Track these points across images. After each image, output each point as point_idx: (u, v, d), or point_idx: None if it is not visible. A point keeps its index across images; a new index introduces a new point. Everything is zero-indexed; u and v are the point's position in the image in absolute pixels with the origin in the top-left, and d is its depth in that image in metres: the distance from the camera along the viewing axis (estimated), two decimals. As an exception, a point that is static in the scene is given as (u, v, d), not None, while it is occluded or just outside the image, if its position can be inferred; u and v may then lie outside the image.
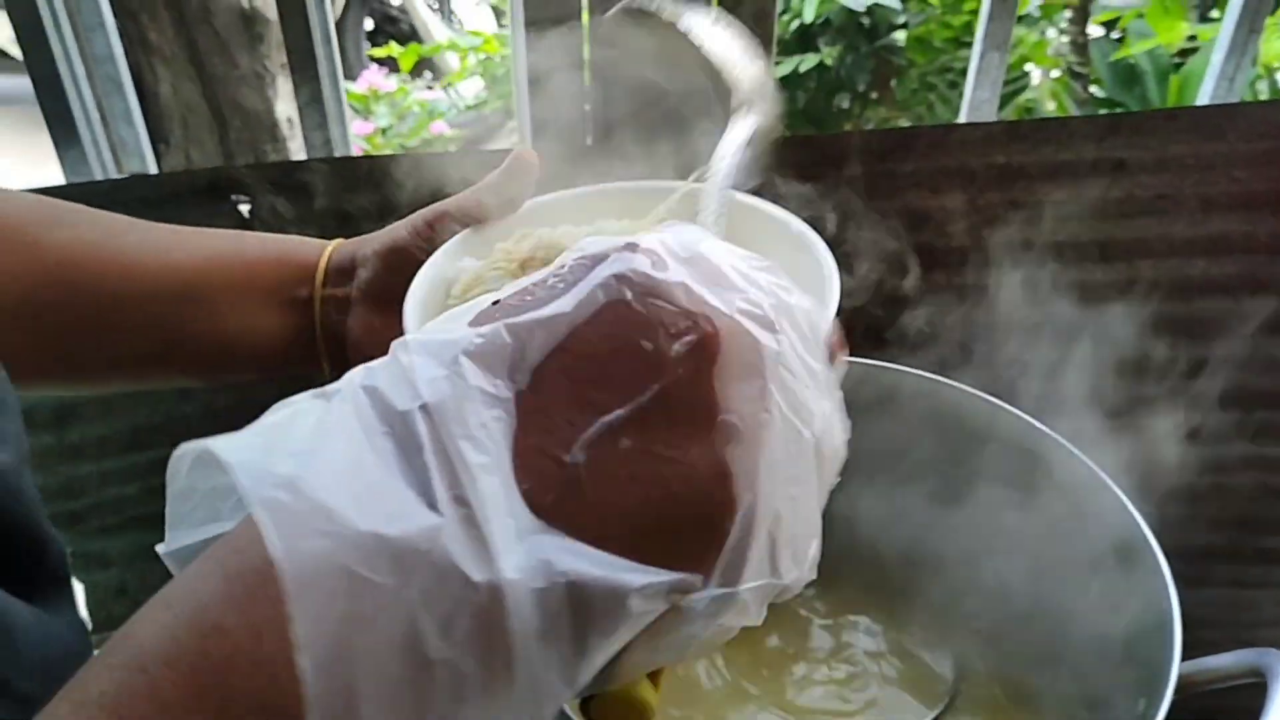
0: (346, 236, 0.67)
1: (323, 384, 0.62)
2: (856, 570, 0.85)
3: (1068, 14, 2.46)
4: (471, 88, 3.11)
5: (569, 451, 0.30)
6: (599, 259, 0.33)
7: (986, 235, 0.97)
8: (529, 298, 0.33)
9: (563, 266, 0.33)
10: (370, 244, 0.64)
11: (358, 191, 0.94)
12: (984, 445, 0.78)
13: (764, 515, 0.31)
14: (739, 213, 0.59)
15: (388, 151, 2.41)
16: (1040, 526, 0.76)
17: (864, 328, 0.84)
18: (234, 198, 0.93)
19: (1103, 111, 2.01)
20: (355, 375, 0.33)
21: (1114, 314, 0.96)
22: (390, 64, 3.21)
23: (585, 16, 0.91)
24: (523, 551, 0.28)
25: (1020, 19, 2.52)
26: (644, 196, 0.63)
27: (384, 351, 0.63)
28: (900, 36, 2.20)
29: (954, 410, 0.79)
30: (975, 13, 2.28)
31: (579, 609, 0.29)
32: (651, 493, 0.30)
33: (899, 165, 0.95)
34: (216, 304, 0.64)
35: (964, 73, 2.23)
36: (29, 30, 0.92)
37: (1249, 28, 0.94)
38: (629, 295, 0.31)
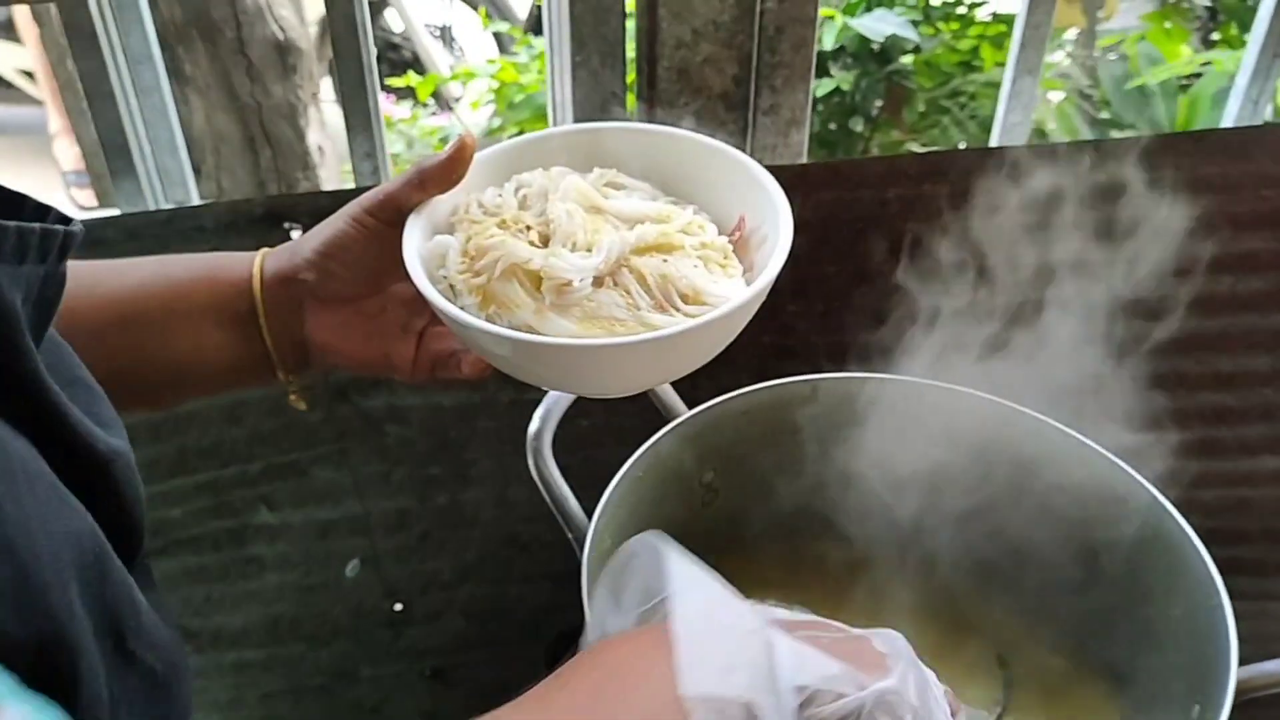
0: None
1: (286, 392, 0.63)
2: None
3: (1073, 35, 2.49)
4: (484, 113, 3.13)
5: None
6: None
7: (1020, 257, 0.99)
8: None
9: None
10: (307, 245, 0.64)
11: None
12: (1029, 466, 0.80)
13: None
14: (703, 154, 0.65)
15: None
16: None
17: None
18: (286, 225, 0.96)
19: (1114, 134, 2.04)
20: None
21: (1144, 331, 0.98)
22: (408, 93, 3.24)
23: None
24: None
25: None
26: (585, 136, 0.67)
27: (353, 349, 0.66)
28: (909, 60, 2.23)
29: (990, 425, 0.81)
30: (982, 37, 2.32)
31: None
32: None
33: (935, 188, 0.97)
34: (153, 330, 0.63)
35: (974, 96, 2.26)
36: (89, 67, 0.95)
37: (1273, 52, 0.97)
38: None
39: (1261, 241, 1.03)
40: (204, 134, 1.56)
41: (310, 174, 1.57)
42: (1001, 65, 2.25)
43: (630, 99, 0.96)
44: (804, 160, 1.00)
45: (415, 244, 0.61)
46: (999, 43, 2.31)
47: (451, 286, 0.60)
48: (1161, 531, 0.76)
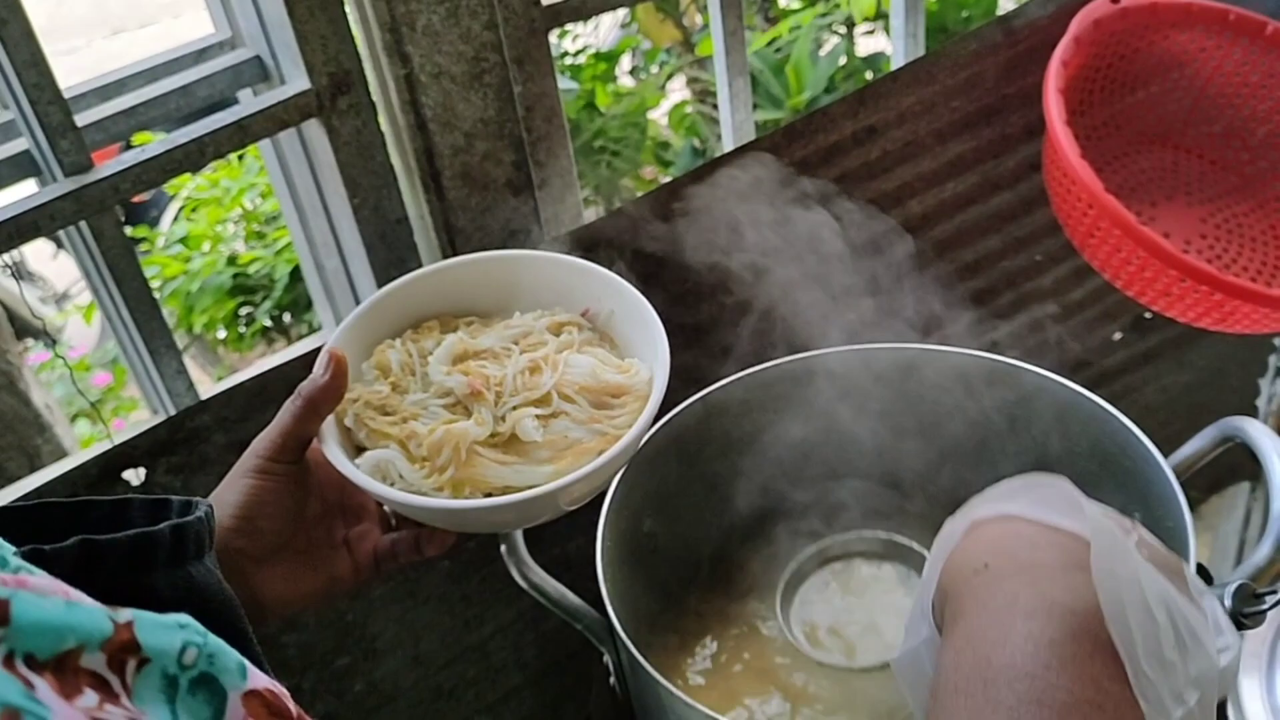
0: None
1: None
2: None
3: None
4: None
5: None
6: None
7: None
8: None
9: None
10: (223, 514, 0.62)
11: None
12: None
13: None
14: (507, 268, 0.72)
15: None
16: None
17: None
18: (126, 474, 0.89)
19: (775, 115, 2.23)
20: None
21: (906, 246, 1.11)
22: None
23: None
24: None
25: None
26: (399, 292, 0.72)
27: (303, 588, 0.66)
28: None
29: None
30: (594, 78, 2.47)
31: None
32: None
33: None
34: None
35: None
36: None
37: (914, -11, 1.14)
38: None
39: (961, 144, 1.19)
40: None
41: (48, 435, 1.44)
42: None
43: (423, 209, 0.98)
44: (585, 221, 1.06)
45: (350, 464, 0.63)
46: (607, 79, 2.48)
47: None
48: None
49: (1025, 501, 0.55)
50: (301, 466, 0.64)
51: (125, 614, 0.32)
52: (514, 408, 0.64)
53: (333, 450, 0.63)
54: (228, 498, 0.63)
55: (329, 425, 0.65)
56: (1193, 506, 1.56)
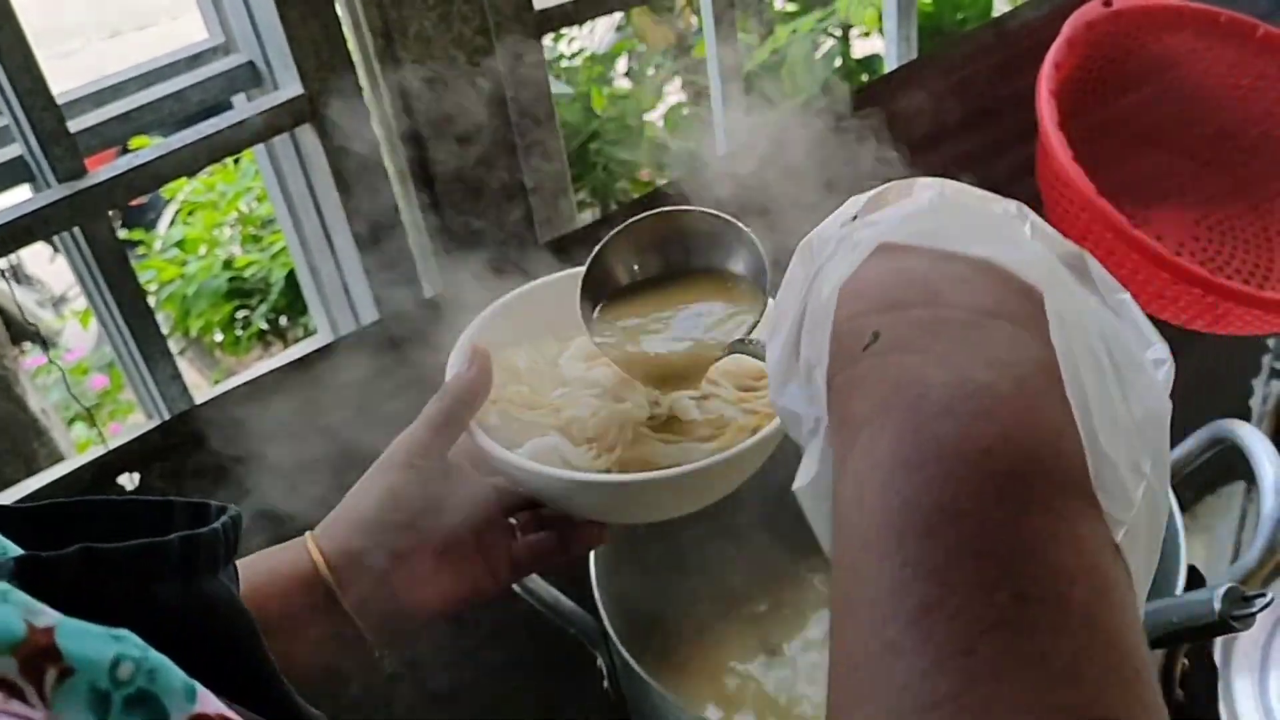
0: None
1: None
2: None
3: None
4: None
5: None
6: None
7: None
8: None
9: None
10: (362, 513, 0.61)
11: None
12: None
13: None
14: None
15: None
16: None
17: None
18: (122, 479, 0.89)
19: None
20: None
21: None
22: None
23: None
24: None
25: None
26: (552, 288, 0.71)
27: (447, 590, 0.64)
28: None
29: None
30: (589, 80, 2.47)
31: None
32: None
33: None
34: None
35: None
36: None
37: (906, -6, 1.14)
38: None
39: (954, 147, 1.20)
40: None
41: (45, 440, 1.45)
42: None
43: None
44: (580, 223, 1.06)
45: (508, 453, 0.61)
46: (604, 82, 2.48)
47: None
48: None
49: (925, 223, 0.39)
50: (445, 467, 0.63)
51: (46, 618, 0.30)
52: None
53: (487, 442, 0.62)
54: (371, 491, 0.62)
55: (476, 423, 0.64)
56: (1188, 507, 1.57)
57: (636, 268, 0.64)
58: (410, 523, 0.61)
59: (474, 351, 0.64)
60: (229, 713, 0.33)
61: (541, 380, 0.67)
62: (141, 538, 0.38)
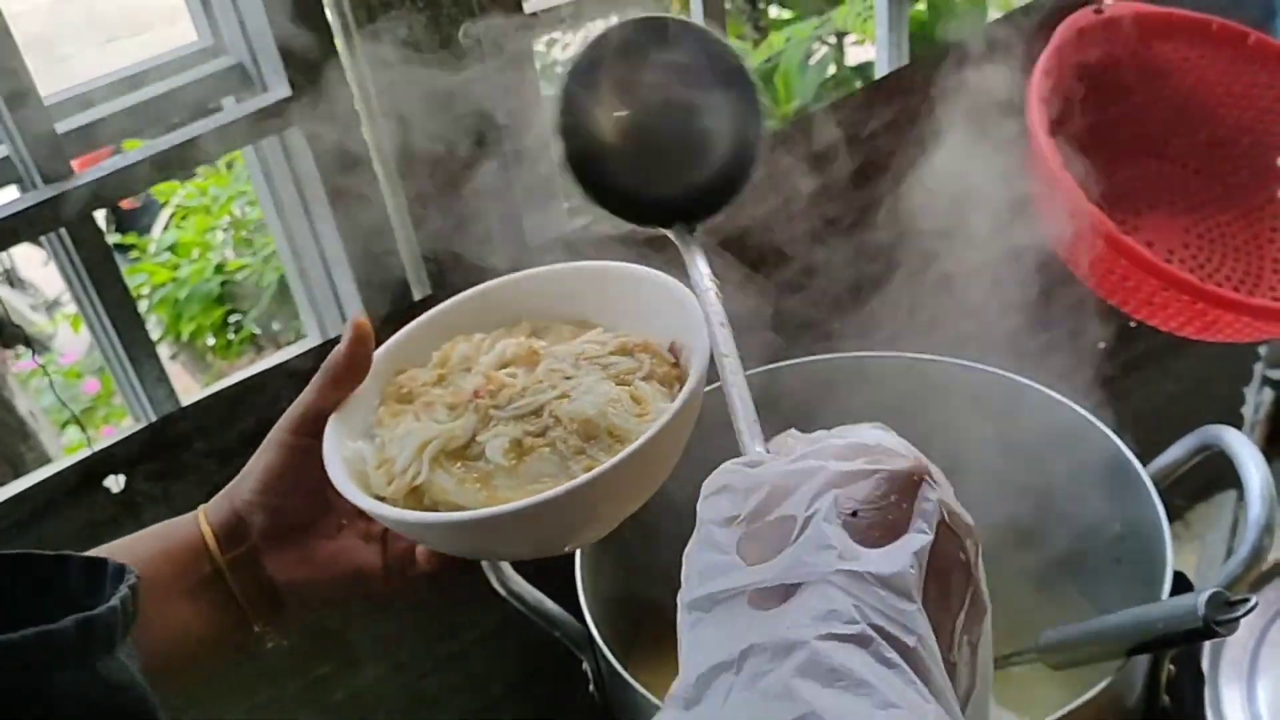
0: (234, 470, 0.64)
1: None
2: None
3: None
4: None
5: None
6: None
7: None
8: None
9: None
10: (245, 488, 0.61)
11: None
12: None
13: None
14: (618, 281, 0.64)
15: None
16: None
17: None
18: (107, 481, 0.89)
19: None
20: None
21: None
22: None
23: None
24: None
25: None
26: (498, 292, 0.67)
27: (321, 576, 0.62)
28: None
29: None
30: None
31: None
32: None
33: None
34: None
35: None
36: None
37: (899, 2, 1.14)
38: None
39: (971, 143, 1.19)
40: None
41: (32, 443, 1.44)
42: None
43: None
44: (567, 229, 1.06)
45: (337, 451, 0.59)
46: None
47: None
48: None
49: None
50: (316, 445, 0.60)
51: None
52: (506, 419, 0.58)
53: (332, 430, 0.59)
54: (250, 473, 0.61)
55: (357, 404, 0.61)
56: (1179, 514, 1.56)
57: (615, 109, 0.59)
58: (280, 504, 0.61)
59: (353, 324, 0.61)
60: None
61: (454, 375, 0.62)
62: (36, 591, 0.37)
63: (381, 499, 0.57)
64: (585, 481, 0.53)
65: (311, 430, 0.60)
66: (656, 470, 0.58)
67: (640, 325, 0.63)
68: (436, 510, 0.56)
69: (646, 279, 0.64)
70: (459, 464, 0.58)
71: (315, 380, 0.61)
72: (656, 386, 0.60)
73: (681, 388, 0.58)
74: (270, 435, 0.61)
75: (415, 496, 0.57)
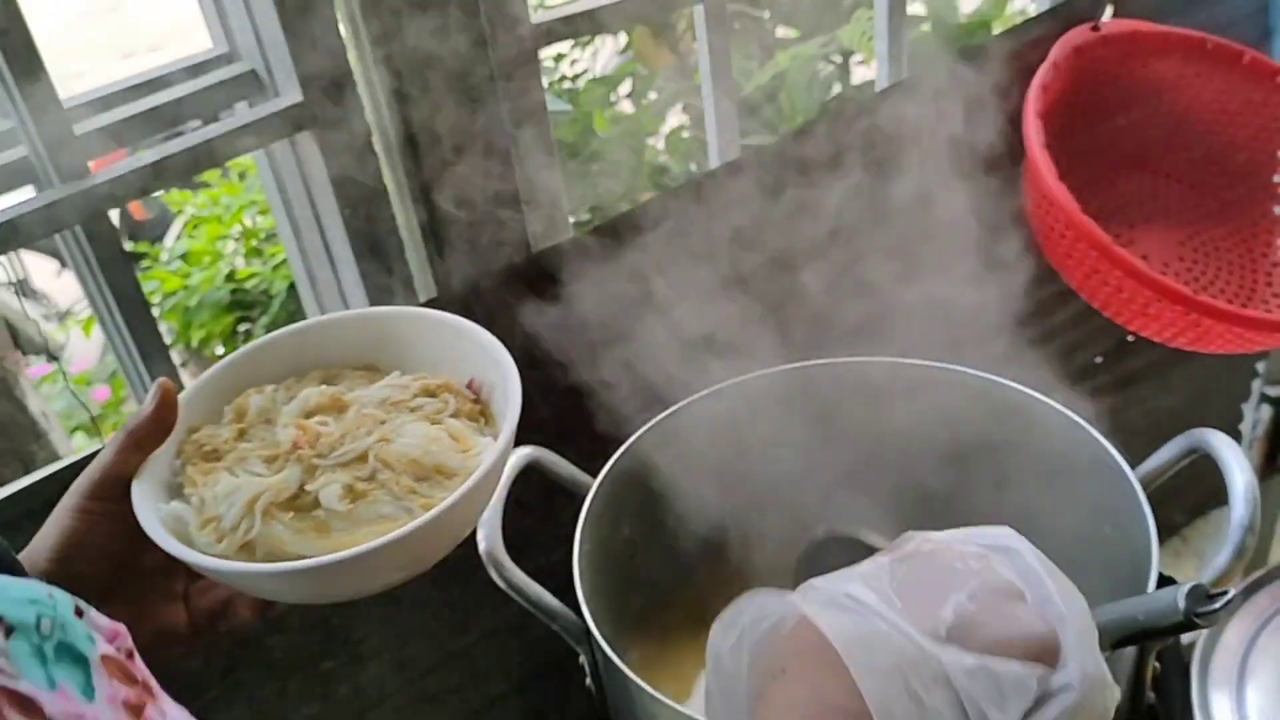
0: None
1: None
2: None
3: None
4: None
5: None
6: None
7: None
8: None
9: None
10: (40, 556, 0.58)
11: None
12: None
13: None
14: (415, 327, 0.67)
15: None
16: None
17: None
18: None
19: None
20: None
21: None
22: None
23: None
24: None
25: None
26: (293, 339, 0.67)
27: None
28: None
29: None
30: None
31: None
32: None
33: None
34: None
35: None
36: None
37: (899, 13, 1.16)
38: None
39: (969, 157, 1.21)
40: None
41: (44, 442, 1.46)
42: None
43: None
44: (570, 236, 1.08)
45: (152, 512, 0.58)
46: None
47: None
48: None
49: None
50: (124, 506, 0.58)
51: None
52: (331, 467, 0.59)
53: (140, 493, 0.58)
54: (44, 538, 0.58)
55: (156, 465, 0.60)
56: (1176, 530, 1.57)
57: None
58: (79, 572, 0.57)
59: (159, 386, 0.60)
60: (121, 656, 0.38)
61: (256, 429, 0.63)
62: None
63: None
64: (437, 515, 0.56)
65: (110, 495, 0.58)
66: (486, 499, 0.61)
67: (431, 366, 0.66)
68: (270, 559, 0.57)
69: (433, 321, 0.67)
70: (290, 514, 0.58)
71: (114, 443, 0.59)
72: (466, 422, 0.63)
73: (486, 422, 0.63)
74: (64, 501, 0.59)
75: (248, 550, 0.57)
